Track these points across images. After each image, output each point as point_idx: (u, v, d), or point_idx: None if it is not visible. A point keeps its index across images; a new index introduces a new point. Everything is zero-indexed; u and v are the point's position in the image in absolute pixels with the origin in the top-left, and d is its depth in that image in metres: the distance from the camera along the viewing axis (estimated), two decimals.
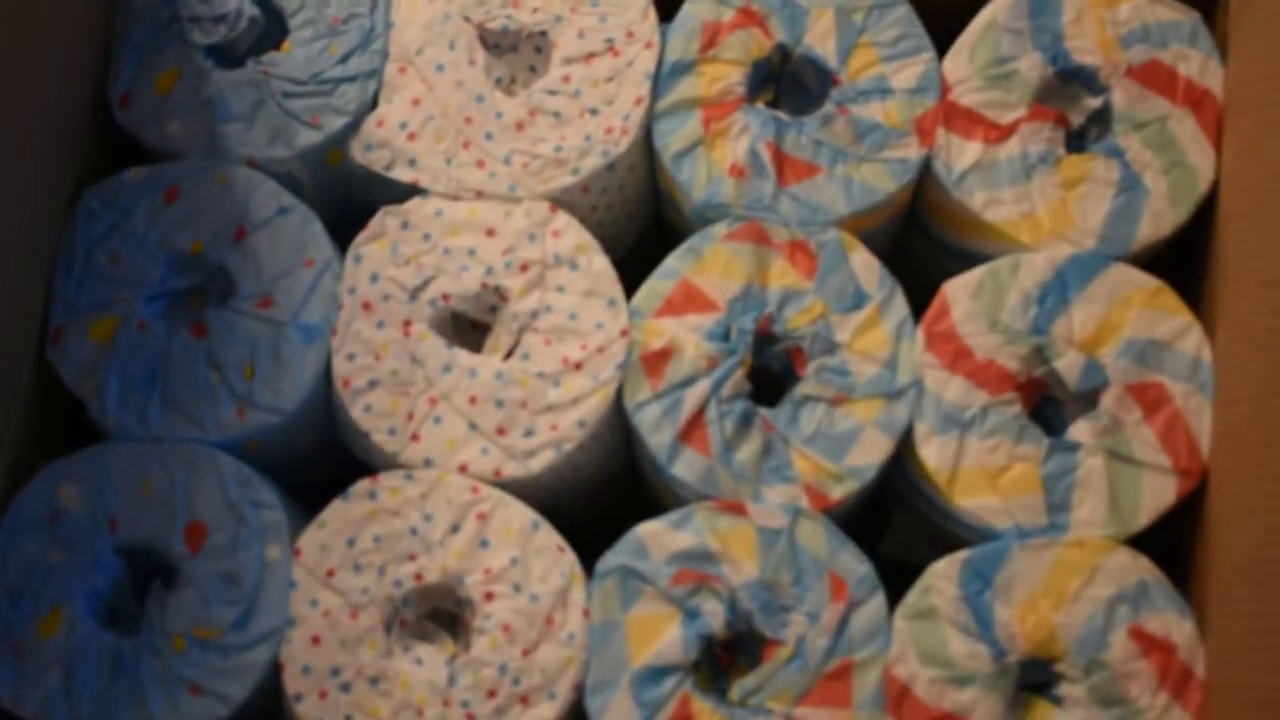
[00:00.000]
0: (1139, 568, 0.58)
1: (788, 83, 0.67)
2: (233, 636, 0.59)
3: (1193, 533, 0.61)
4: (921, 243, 0.70)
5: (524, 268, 0.63)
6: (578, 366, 0.61)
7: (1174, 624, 0.58)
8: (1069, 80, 0.65)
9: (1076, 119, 0.65)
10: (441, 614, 0.61)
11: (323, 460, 0.66)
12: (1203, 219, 0.64)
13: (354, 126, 0.65)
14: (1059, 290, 0.61)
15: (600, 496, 0.68)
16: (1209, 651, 0.57)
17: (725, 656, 0.60)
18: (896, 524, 0.69)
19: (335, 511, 0.60)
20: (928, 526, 0.66)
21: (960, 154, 0.64)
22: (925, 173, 0.65)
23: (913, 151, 0.64)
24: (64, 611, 0.59)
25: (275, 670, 0.59)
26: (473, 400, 0.61)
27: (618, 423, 0.64)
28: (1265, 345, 0.58)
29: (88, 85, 0.66)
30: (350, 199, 0.68)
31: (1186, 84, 0.64)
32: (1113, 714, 0.56)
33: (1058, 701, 0.58)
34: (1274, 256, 0.59)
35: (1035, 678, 0.59)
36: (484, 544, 0.60)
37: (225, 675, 0.58)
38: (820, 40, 0.65)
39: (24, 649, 0.59)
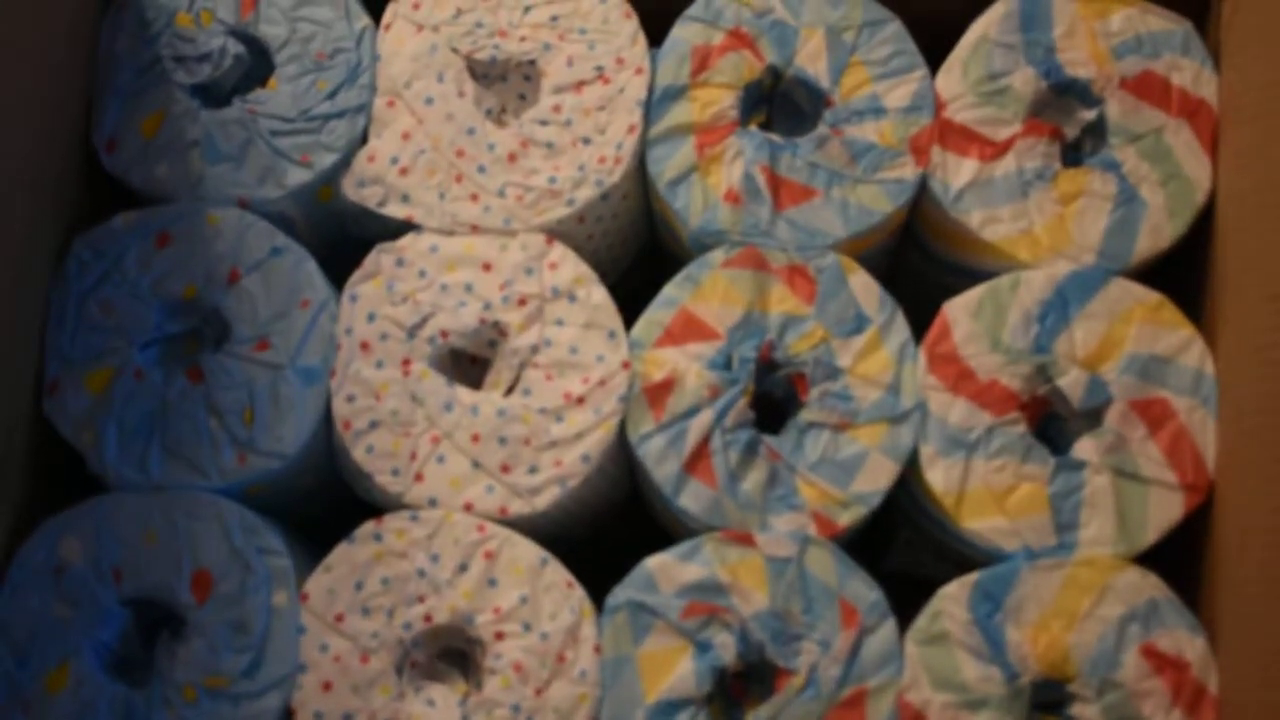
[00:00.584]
0: (1149, 585, 0.58)
1: (780, 104, 0.67)
2: (243, 685, 0.58)
3: (1201, 548, 0.61)
4: (919, 260, 0.69)
5: (522, 302, 0.62)
6: (580, 401, 0.61)
7: (1186, 641, 0.58)
8: (1063, 93, 0.64)
9: (1071, 132, 0.65)
10: (452, 652, 0.61)
11: (325, 498, 0.66)
12: (1201, 230, 0.64)
13: (344, 163, 0.65)
14: (1059, 307, 0.61)
15: (605, 523, 0.68)
16: (1222, 668, 0.57)
17: (738, 687, 0.60)
18: (902, 541, 0.69)
19: (341, 555, 0.60)
20: (934, 543, 0.66)
21: (956, 172, 0.63)
22: (922, 191, 0.64)
23: (908, 171, 0.63)
24: (72, 666, 0.59)
25: (287, 717, 0.59)
26: (475, 438, 0.61)
27: (621, 455, 0.63)
28: (1270, 360, 0.58)
29: (73, 132, 0.66)
30: (344, 234, 0.67)
31: (1180, 94, 0.64)
32: None
33: None
34: (1276, 269, 0.59)
35: (1048, 698, 0.59)
36: (492, 583, 0.59)
37: None
38: (811, 60, 0.65)
39: (33, 706, 0.58)
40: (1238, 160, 0.62)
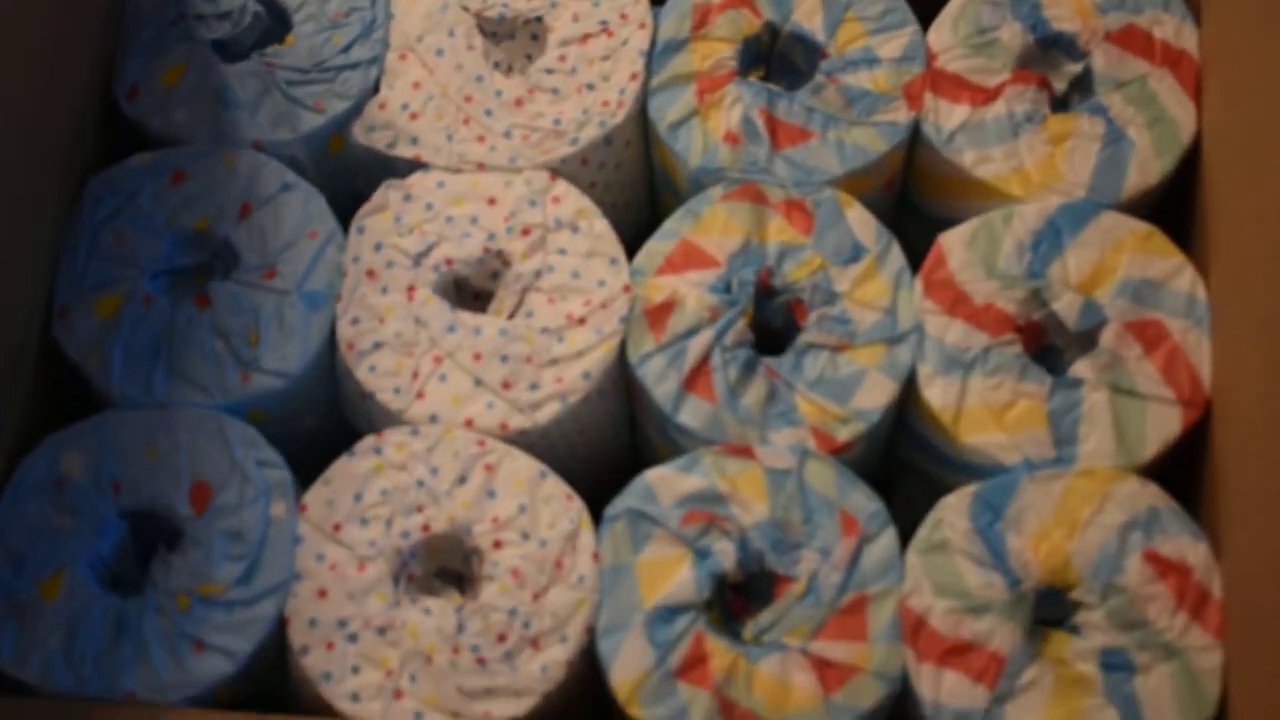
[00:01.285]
0: (1149, 494, 0.58)
1: (777, 64, 0.69)
2: (237, 592, 0.58)
3: (1199, 469, 0.61)
4: (915, 225, 0.71)
5: (525, 232, 0.63)
6: (581, 321, 0.62)
7: (1188, 547, 0.57)
8: (1049, 48, 0.67)
9: (1059, 85, 0.67)
10: (449, 574, 0.61)
11: (326, 449, 0.66)
12: (1187, 178, 0.65)
13: (356, 110, 0.67)
14: (1052, 237, 0.63)
15: (604, 476, 0.68)
16: (1225, 573, 0.57)
17: (738, 603, 0.59)
18: (901, 502, 0.68)
19: (341, 468, 0.60)
20: (933, 493, 0.65)
21: (948, 115, 0.65)
22: (915, 141, 0.66)
23: (901, 115, 0.65)
24: (67, 574, 0.58)
25: (281, 625, 0.58)
26: (477, 357, 0.61)
27: (622, 383, 0.64)
28: (1262, 283, 0.58)
29: (96, 84, 0.68)
30: (353, 190, 0.69)
31: (1163, 46, 0.66)
32: (1133, 637, 0.56)
33: (1076, 630, 0.57)
34: (1265, 190, 0.60)
35: (1053, 613, 0.58)
36: (491, 494, 0.59)
37: (230, 630, 0.57)
38: (807, 17, 0.67)
39: (26, 613, 0.58)
40: (1223, 99, 0.64)
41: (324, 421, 0.65)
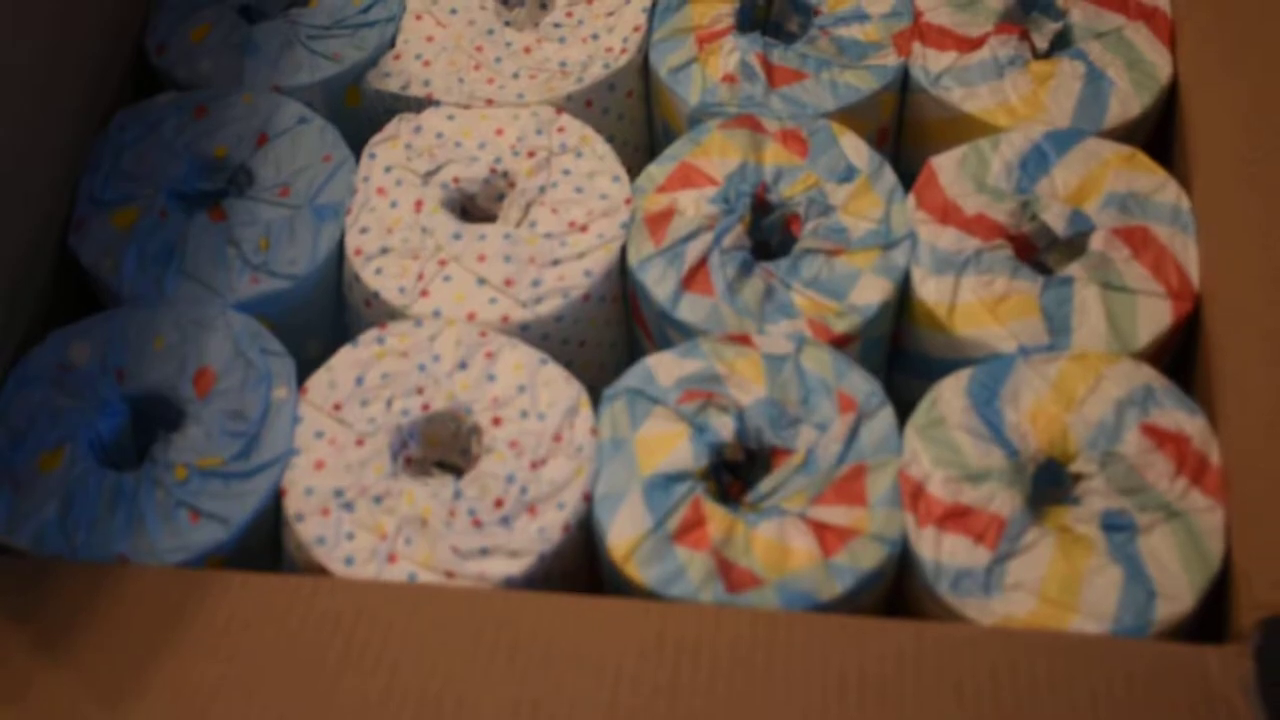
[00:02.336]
0: (1144, 375, 0.59)
1: (771, 32, 0.73)
2: (235, 465, 0.58)
3: (1190, 370, 0.61)
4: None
5: (531, 154, 0.66)
6: (584, 228, 0.63)
7: (1185, 420, 0.57)
8: (1030, 10, 0.71)
9: (1040, 43, 0.70)
10: (447, 468, 0.61)
11: None
12: (1166, 129, 0.68)
13: (372, 63, 0.70)
14: (1039, 159, 0.65)
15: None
16: (1223, 444, 0.57)
17: (736, 486, 0.59)
18: None
19: (343, 356, 0.61)
20: None
21: (936, 60, 0.69)
22: (905, 92, 0.69)
23: (891, 59, 0.69)
24: (66, 450, 0.58)
25: (278, 498, 0.58)
26: (481, 258, 0.63)
27: (622, 302, 0.65)
28: (1250, 177, 0.61)
29: (127, 42, 0.72)
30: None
31: (1137, 3, 0.70)
32: (1133, 500, 0.55)
33: (1076, 502, 0.56)
34: (1245, 114, 0.63)
35: (1053, 495, 0.57)
36: (491, 378, 0.60)
37: (226, 499, 0.57)
38: None
39: (22, 483, 0.58)
40: (1199, 39, 0.67)
41: (328, 353, 0.66)
